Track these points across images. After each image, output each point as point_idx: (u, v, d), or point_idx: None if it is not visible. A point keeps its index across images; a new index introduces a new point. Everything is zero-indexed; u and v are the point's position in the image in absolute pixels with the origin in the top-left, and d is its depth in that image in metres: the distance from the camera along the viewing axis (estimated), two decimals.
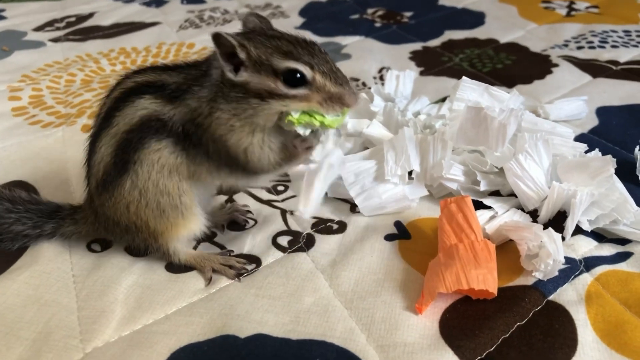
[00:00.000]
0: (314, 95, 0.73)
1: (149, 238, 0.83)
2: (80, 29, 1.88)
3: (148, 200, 0.80)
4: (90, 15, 2.01)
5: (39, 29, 1.88)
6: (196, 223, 0.84)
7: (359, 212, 0.95)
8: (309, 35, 1.74)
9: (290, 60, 0.72)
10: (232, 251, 0.89)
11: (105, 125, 0.80)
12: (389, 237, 0.90)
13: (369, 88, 1.37)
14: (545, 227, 0.83)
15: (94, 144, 0.82)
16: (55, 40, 1.79)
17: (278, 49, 0.73)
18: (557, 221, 0.89)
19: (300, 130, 0.77)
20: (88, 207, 0.88)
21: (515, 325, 0.73)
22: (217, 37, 0.70)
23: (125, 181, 0.79)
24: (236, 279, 0.83)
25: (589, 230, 0.87)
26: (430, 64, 1.52)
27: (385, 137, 1.02)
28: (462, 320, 0.75)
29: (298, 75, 0.72)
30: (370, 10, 1.96)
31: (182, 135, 0.78)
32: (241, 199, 1.02)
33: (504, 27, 1.73)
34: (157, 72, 0.82)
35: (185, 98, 0.77)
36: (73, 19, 1.97)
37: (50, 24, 1.93)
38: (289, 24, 1.86)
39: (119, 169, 0.79)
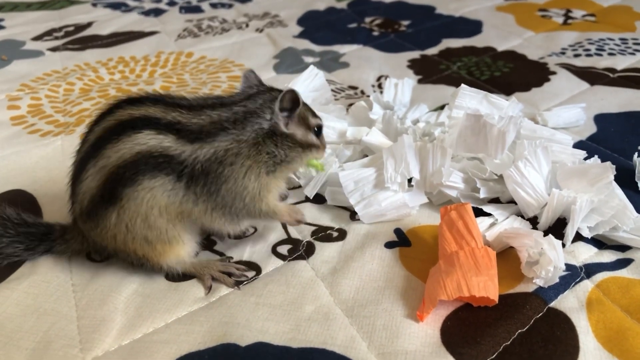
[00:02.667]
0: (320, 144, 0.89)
1: (141, 259, 0.83)
2: (78, 38, 1.88)
3: (135, 234, 0.79)
4: (89, 24, 2.01)
5: (37, 38, 1.88)
6: (185, 249, 0.83)
7: (358, 219, 0.95)
8: (307, 44, 1.75)
9: (318, 118, 0.88)
10: (232, 258, 0.89)
11: (94, 154, 0.78)
12: (389, 245, 0.90)
13: (368, 96, 1.38)
14: (546, 234, 0.83)
15: (79, 171, 0.80)
16: (53, 49, 1.79)
17: (308, 109, 0.87)
18: (557, 228, 0.89)
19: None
20: (75, 227, 0.87)
21: (517, 333, 0.73)
22: (292, 93, 0.80)
23: (111, 214, 0.78)
24: (236, 287, 0.83)
25: (589, 237, 0.87)
26: (429, 72, 1.53)
27: (384, 145, 1.03)
28: (464, 327, 0.75)
29: (317, 129, 0.87)
30: (368, 19, 1.97)
31: (197, 174, 0.77)
32: None
33: (502, 35, 1.75)
34: (160, 106, 0.80)
35: (218, 138, 0.78)
36: (72, 29, 1.97)
37: (48, 33, 1.93)
38: (287, 33, 1.86)
39: (105, 202, 0.78)
